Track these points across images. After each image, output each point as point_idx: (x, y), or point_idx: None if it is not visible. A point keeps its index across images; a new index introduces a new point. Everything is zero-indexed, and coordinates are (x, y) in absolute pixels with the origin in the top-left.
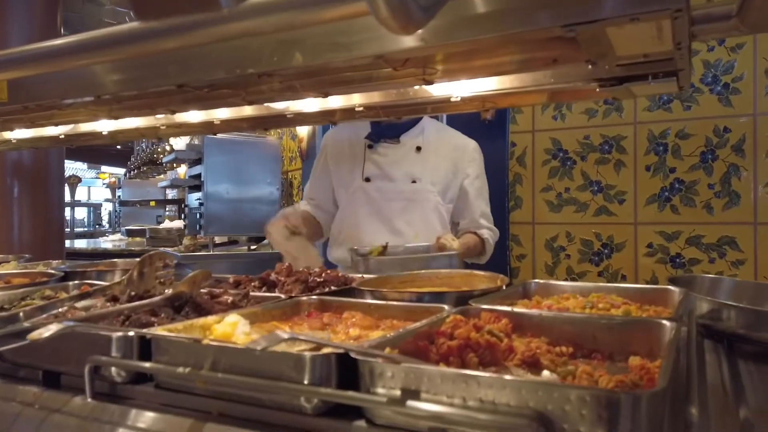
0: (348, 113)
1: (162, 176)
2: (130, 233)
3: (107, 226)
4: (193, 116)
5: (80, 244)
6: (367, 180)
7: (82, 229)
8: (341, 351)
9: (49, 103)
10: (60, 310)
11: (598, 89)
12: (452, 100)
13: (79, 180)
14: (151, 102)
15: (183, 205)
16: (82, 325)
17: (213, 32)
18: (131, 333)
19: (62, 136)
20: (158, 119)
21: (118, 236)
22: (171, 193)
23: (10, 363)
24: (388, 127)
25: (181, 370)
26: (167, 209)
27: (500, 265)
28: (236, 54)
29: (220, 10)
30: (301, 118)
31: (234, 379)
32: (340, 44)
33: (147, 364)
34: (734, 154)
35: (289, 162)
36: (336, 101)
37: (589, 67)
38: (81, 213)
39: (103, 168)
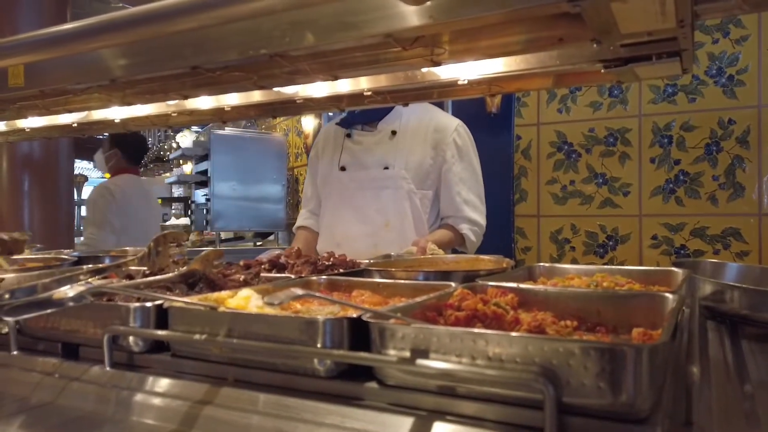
0: (356, 98)
1: (168, 174)
2: None
3: None
4: (204, 102)
5: None
6: (343, 169)
7: None
8: (353, 315)
9: (65, 87)
10: (77, 284)
11: (603, 70)
12: (459, 83)
13: (86, 179)
14: (164, 86)
15: (189, 201)
16: (105, 287)
17: (226, 12)
18: (148, 304)
19: (75, 125)
20: (169, 106)
21: None
22: (177, 191)
23: (30, 336)
24: (363, 113)
25: (197, 336)
26: (173, 207)
27: (506, 257)
28: (249, 35)
29: None
30: (311, 104)
31: (249, 344)
32: (351, 23)
33: (165, 332)
34: (739, 145)
35: (295, 158)
36: (344, 86)
37: (594, 46)
38: None
39: None
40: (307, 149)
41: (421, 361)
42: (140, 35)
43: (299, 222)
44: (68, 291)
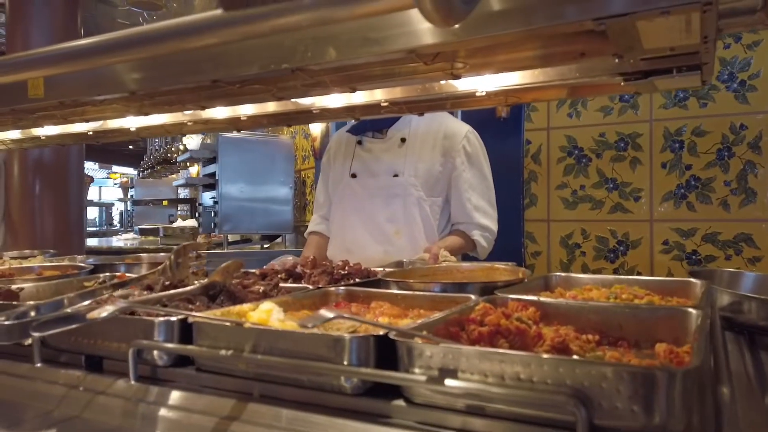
0: (373, 108)
1: (175, 175)
2: (143, 232)
3: (119, 225)
4: (219, 112)
5: (92, 242)
6: (353, 176)
7: (93, 229)
8: (379, 333)
9: (86, 99)
10: (101, 297)
11: (622, 83)
12: (477, 94)
13: (92, 179)
14: (182, 98)
15: (197, 204)
16: (137, 305)
17: (248, 29)
18: (173, 318)
19: (90, 133)
20: (185, 115)
21: (131, 235)
22: (183, 192)
23: (52, 348)
24: (374, 120)
25: (224, 352)
26: (179, 208)
27: (515, 262)
28: (271, 50)
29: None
30: (326, 114)
31: (277, 360)
32: (373, 39)
33: (192, 347)
34: (750, 151)
35: (302, 161)
36: (361, 96)
37: (616, 60)
38: (92, 213)
39: (114, 168)
40: (314, 152)
41: (450, 382)
42: (161, 51)
43: (311, 227)
44: (101, 311)
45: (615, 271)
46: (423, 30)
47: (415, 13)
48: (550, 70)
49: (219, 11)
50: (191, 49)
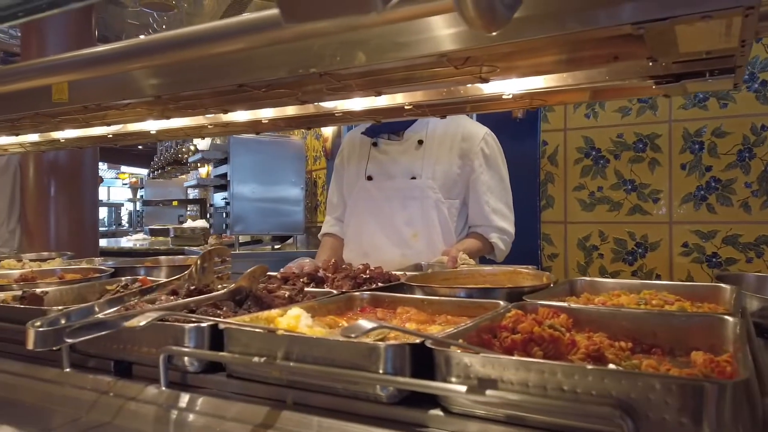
0: (396, 111)
1: (185, 176)
2: (153, 233)
3: (127, 225)
4: (241, 116)
5: (102, 243)
6: (369, 178)
7: (103, 229)
8: (414, 341)
9: (109, 103)
10: (129, 303)
11: (653, 86)
12: (504, 97)
13: (101, 180)
14: (205, 101)
15: (208, 205)
16: (174, 314)
17: (275, 35)
18: (204, 324)
19: (110, 136)
20: (206, 118)
21: (140, 235)
22: (192, 193)
23: (80, 353)
24: (389, 122)
25: (257, 359)
26: (189, 209)
27: (532, 264)
28: (298, 55)
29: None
30: (349, 117)
31: (312, 368)
32: (402, 44)
33: (225, 354)
34: None
35: (314, 161)
36: (384, 100)
37: (649, 64)
38: (101, 213)
39: (123, 168)
40: (326, 152)
41: (491, 392)
42: (188, 56)
43: (325, 229)
44: (140, 319)
45: (633, 274)
46: (453, 34)
47: (444, 18)
48: (579, 72)
49: (246, 15)
50: (218, 54)
